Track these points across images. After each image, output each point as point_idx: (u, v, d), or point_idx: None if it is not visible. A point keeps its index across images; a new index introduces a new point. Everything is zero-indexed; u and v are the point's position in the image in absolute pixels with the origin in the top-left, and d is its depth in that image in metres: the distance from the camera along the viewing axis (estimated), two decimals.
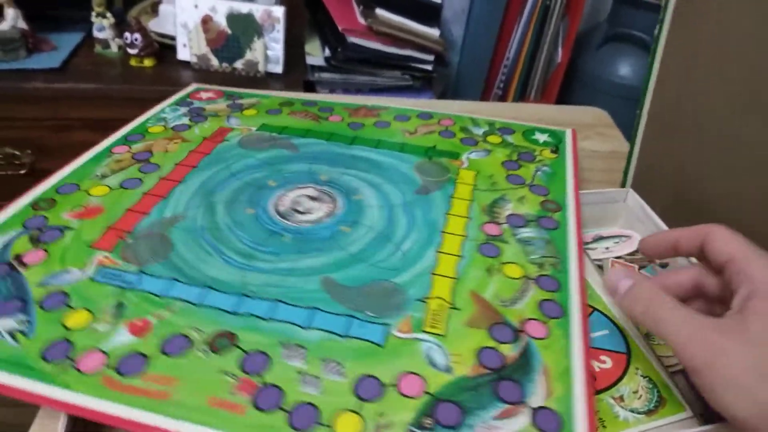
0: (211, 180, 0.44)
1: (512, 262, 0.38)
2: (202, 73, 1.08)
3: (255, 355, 0.31)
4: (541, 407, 0.29)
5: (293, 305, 0.34)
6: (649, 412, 0.31)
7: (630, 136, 0.49)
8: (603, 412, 0.31)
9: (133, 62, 1.07)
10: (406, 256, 0.38)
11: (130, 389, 0.29)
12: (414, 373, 0.30)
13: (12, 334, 0.31)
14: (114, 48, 1.09)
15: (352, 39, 1.15)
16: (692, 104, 0.43)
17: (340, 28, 1.14)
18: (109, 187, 0.42)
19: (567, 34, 1.45)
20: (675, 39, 0.43)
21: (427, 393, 0.29)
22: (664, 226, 0.43)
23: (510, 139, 0.52)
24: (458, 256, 0.38)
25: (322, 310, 0.33)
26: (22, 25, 1.02)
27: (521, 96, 1.51)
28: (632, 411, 0.31)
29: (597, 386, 0.32)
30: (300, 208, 0.41)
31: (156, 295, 0.34)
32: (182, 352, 0.31)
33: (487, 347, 0.32)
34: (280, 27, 1.06)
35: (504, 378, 0.30)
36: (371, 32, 1.16)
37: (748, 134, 0.38)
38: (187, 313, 0.33)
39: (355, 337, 0.32)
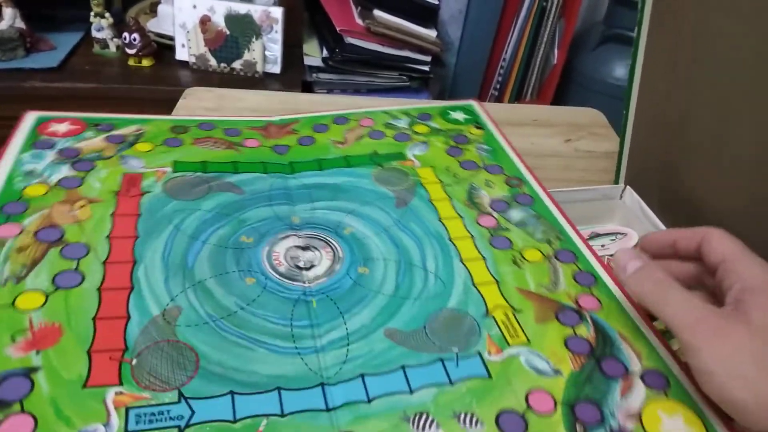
0: (172, 251, 0.36)
1: (527, 248, 0.38)
2: (201, 74, 1.08)
3: None
4: (646, 371, 0.31)
5: (381, 374, 0.30)
6: None
7: None
8: None
9: (131, 62, 1.07)
10: (440, 277, 0.36)
11: None
12: (535, 389, 0.30)
13: None
14: (112, 48, 1.10)
15: (350, 40, 1.16)
16: (677, 101, 0.43)
17: (338, 29, 1.15)
18: (42, 293, 0.32)
19: (563, 35, 1.46)
20: (655, 37, 0.44)
21: (559, 403, 0.29)
22: (661, 224, 0.44)
23: (433, 124, 0.51)
24: (481, 258, 0.38)
25: (411, 367, 0.31)
26: (21, 24, 1.03)
27: (517, 97, 1.52)
28: None
29: None
30: (300, 264, 0.36)
31: (229, 422, 0.27)
32: None
33: (569, 336, 0.32)
34: (279, 27, 1.07)
35: (602, 358, 0.31)
36: (369, 33, 1.16)
37: (733, 131, 0.39)
38: (279, 429, 0.27)
39: (463, 379, 0.30)
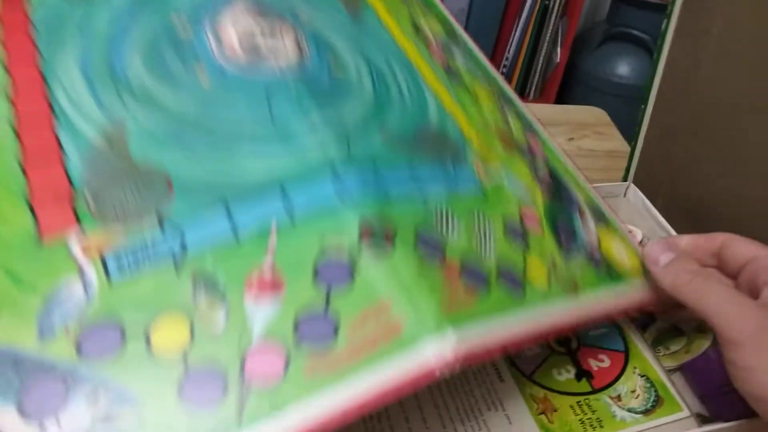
0: (91, 61, 0.26)
1: (477, 89, 0.36)
2: None
3: (426, 234, 0.25)
4: (588, 207, 0.33)
5: (392, 167, 0.26)
6: (646, 412, 0.31)
7: (629, 135, 0.49)
8: (600, 412, 0.31)
9: None
10: (413, 94, 0.32)
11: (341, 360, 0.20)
12: (524, 207, 0.30)
13: None
14: None
15: None
16: (697, 102, 0.43)
17: None
18: None
19: (566, 33, 1.45)
20: (681, 35, 0.44)
21: (544, 223, 0.31)
22: (665, 222, 0.44)
23: None
24: (443, 86, 0.34)
25: (418, 166, 0.28)
26: None
27: (520, 95, 1.51)
28: (630, 410, 0.31)
29: (594, 385, 0.32)
30: (263, 49, 0.28)
31: (231, 243, 0.22)
32: (352, 276, 0.22)
33: (532, 169, 0.33)
34: None
35: (560, 190, 0.33)
36: None
37: (752, 133, 0.38)
38: (292, 241, 0.22)
39: (463, 189, 0.29)
